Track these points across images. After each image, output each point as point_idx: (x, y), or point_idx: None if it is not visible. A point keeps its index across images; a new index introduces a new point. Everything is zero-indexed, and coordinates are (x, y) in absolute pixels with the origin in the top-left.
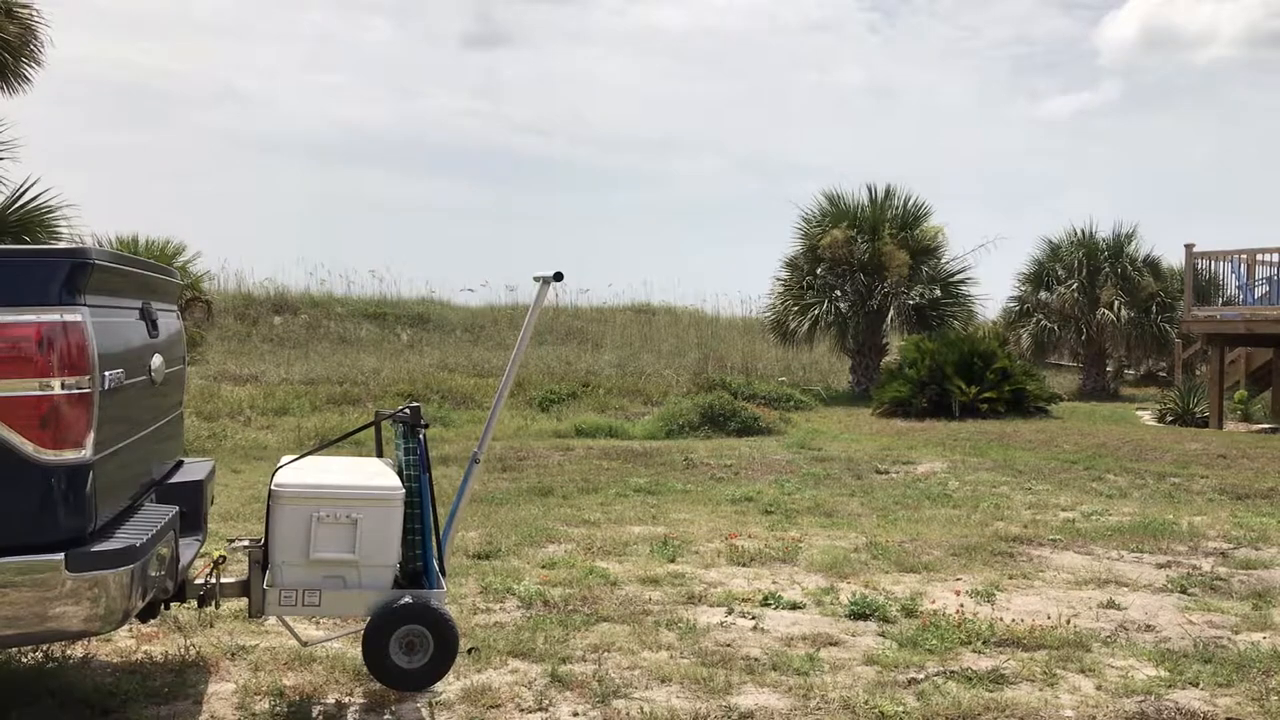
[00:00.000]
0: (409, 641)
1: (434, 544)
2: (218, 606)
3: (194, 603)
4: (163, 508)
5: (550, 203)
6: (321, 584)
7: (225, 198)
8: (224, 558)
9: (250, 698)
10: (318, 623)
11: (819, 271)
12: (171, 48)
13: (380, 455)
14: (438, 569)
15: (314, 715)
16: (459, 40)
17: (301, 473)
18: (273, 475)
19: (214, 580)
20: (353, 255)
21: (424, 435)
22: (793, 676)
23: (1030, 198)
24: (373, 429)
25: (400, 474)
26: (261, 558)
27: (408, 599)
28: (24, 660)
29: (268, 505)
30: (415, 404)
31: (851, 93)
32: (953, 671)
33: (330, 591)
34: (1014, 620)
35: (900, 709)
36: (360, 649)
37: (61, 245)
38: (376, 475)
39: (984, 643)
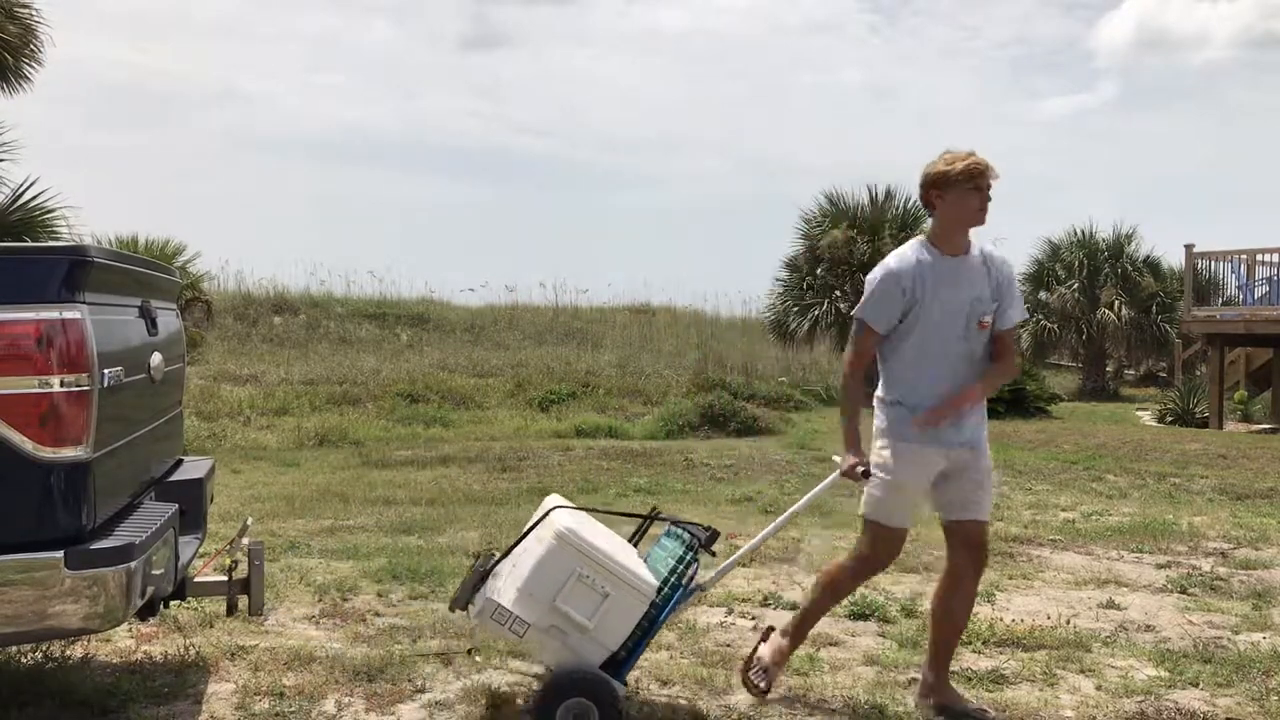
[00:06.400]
0: (578, 713)
1: (642, 649)
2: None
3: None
4: (162, 505)
5: (550, 203)
6: (540, 625)
7: (226, 198)
8: (236, 563)
9: (250, 698)
10: (317, 623)
11: (819, 272)
12: (172, 48)
13: (635, 544)
14: (628, 672)
15: (314, 715)
16: (459, 41)
17: (584, 527)
18: (550, 510)
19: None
20: (353, 255)
21: (699, 561)
22: (793, 677)
23: (1030, 198)
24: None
25: (657, 573)
26: (487, 567)
27: (601, 678)
28: (24, 660)
29: (539, 532)
30: (716, 531)
31: (851, 93)
32: (952, 671)
33: (540, 634)
34: (1014, 620)
35: (900, 709)
36: (535, 694)
37: (61, 243)
38: (640, 566)
39: (984, 643)
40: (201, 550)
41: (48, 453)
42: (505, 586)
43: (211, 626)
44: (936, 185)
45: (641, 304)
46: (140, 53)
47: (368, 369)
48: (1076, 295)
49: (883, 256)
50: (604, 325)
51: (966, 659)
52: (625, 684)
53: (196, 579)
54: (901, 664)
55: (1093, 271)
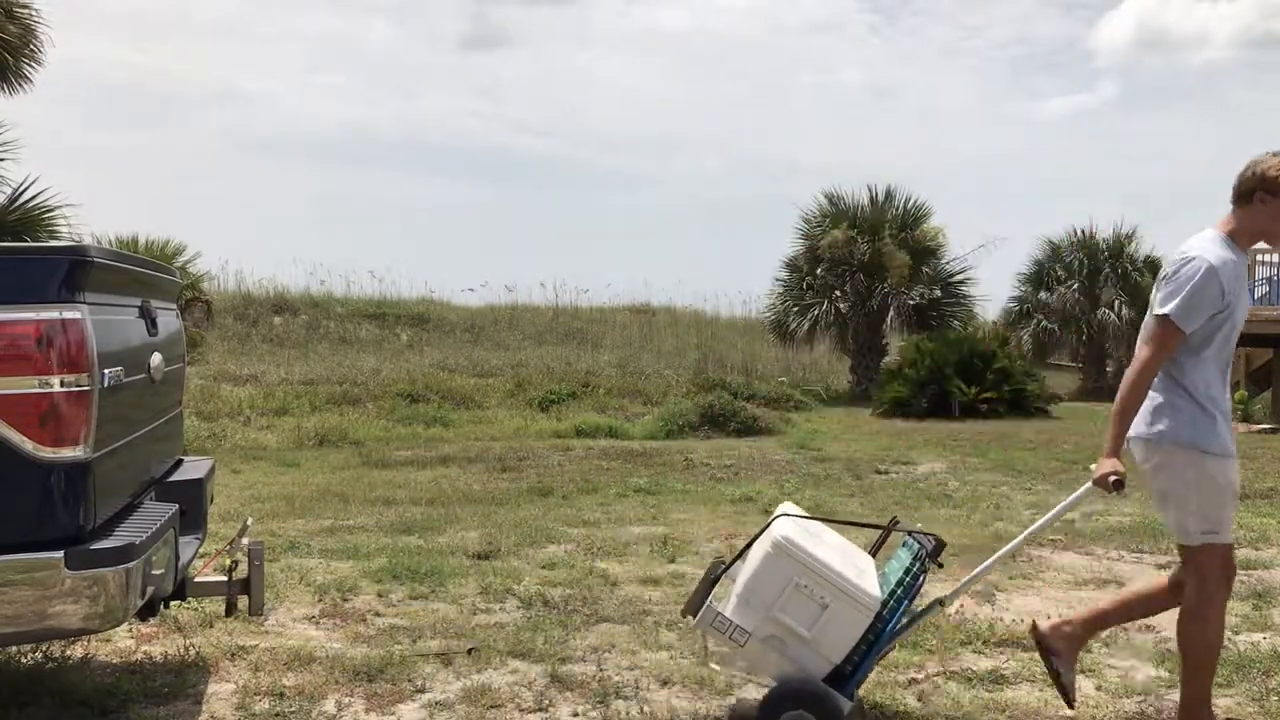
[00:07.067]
0: None
1: (870, 663)
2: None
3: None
4: (162, 505)
5: (550, 203)
6: (759, 634)
7: (225, 198)
8: (236, 563)
9: (250, 698)
10: (317, 623)
11: (819, 272)
12: (172, 48)
13: (874, 555)
14: (855, 687)
15: (314, 715)
16: (459, 41)
17: (804, 535)
18: (775, 518)
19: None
20: (353, 255)
21: (927, 572)
22: None
23: (1030, 198)
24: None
25: (884, 585)
26: (715, 574)
27: (821, 691)
28: (24, 660)
29: (761, 541)
30: (942, 541)
31: (851, 93)
32: (953, 671)
33: (760, 644)
34: (1014, 620)
35: (900, 709)
36: (758, 705)
37: (61, 243)
38: (864, 575)
39: (984, 643)
40: (201, 550)
41: (48, 453)
42: (727, 595)
43: (211, 626)
44: (1270, 189)
45: (641, 304)
46: (140, 53)
47: (368, 369)
48: (1076, 295)
49: (883, 256)
50: (604, 325)
51: (967, 659)
52: (852, 699)
53: (196, 579)
54: (902, 664)
55: (1093, 271)
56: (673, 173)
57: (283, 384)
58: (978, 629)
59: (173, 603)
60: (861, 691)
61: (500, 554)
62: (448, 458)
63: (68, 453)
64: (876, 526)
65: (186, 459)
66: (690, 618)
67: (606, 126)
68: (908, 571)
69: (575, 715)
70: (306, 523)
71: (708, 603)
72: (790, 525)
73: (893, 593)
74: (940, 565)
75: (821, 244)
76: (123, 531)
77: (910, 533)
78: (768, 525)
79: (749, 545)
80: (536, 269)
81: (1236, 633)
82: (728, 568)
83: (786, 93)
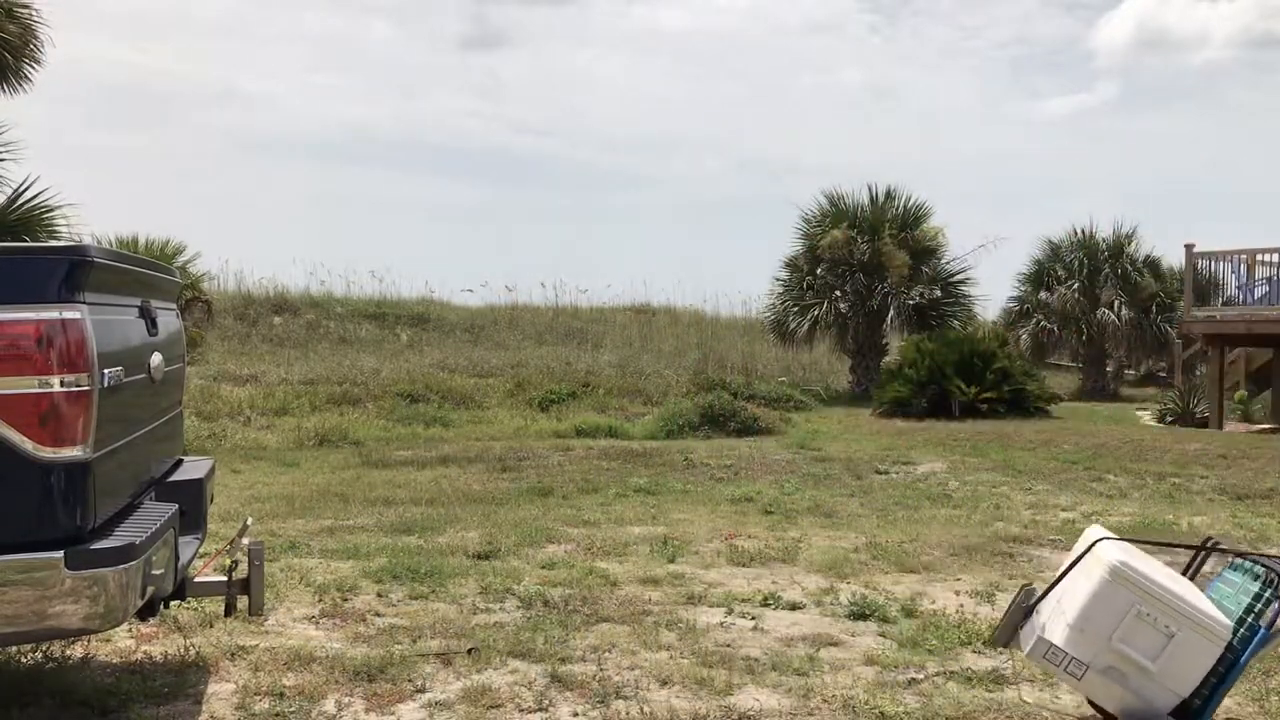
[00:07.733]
0: None
1: (1220, 698)
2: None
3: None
4: (162, 505)
5: (550, 203)
6: (1097, 665)
7: (225, 198)
8: (236, 563)
9: (250, 698)
10: (317, 623)
11: (819, 272)
12: (172, 48)
13: (1192, 578)
14: None
15: (314, 715)
16: (459, 41)
17: (1137, 560)
18: (1094, 543)
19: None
20: (353, 255)
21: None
22: (793, 677)
23: (1030, 198)
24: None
25: (1226, 611)
26: (1030, 603)
27: None
28: (24, 660)
29: (1087, 566)
30: None
31: (851, 93)
32: (953, 671)
33: (1098, 676)
34: None
35: (900, 709)
36: None
37: (61, 243)
38: (1203, 602)
39: (984, 643)
40: (201, 550)
41: (48, 453)
42: (1054, 624)
43: (211, 626)
44: None
45: (641, 304)
46: (140, 53)
47: (368, 369)
48: (1076, 295)
49: (883, 256)
50: (604, 325)
51: (967, 659)
52: None
53: (196, 579)
54: (901, 664)
55: (1093, 271)
56: (673, 173)
57: (283, 384)
58: (978, 629)
59: (173, 603)
60: (861, 691)
61: (500, 554)
62: (448, 458)
63: (68, 453)
64: (1189, 547)
65: (186, 459)
66: (1001, 649)
67: (606, 126)
68: (1257, 598)
69: (575, 715)
70: (306, 523)
71: (1038, 635)
72: (1120, 550)
73: (1242, 620)
74: None
75: (821, 244)
76: (123, 531)
77: (1239, 555)
78: (1088, 550)
79: (1065, 572)
80: (536, 269)
81: None
82: (1042, 597)
83: (786, 93)
